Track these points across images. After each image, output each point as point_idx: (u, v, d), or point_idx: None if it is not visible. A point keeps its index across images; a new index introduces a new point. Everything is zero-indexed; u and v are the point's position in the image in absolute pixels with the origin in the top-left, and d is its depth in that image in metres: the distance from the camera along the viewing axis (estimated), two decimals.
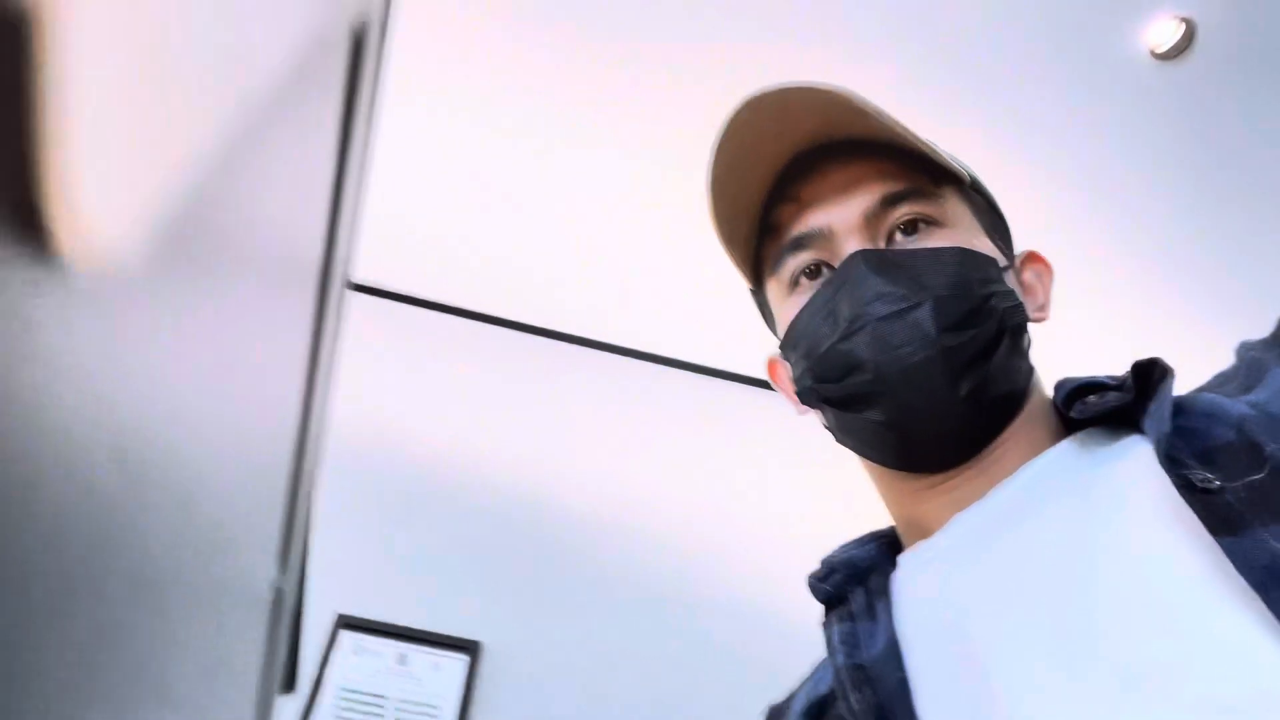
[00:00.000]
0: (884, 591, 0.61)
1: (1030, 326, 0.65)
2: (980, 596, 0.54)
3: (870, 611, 0.60)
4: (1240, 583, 0.43)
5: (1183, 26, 1.67)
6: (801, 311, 0.63)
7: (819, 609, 0.66)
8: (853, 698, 0.54)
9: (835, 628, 0.61)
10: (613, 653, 1.78)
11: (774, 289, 0.68)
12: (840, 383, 0.60)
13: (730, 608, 1.92)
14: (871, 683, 0.55)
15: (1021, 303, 0.61)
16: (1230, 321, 2.09)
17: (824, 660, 0.65)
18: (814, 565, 0.69)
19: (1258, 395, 0.54)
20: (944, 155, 0.64)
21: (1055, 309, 0.71)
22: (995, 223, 0.69)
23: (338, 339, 0.56)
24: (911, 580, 0.61)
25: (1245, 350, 0.61)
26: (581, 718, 1.68)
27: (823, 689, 0.61)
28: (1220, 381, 0.61)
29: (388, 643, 1.67)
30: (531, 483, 1.97)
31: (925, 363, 0.56)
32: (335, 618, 1.67)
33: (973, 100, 1.78)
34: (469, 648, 1.69)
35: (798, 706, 0.63)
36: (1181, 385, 0.58)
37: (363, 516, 1.78)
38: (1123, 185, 1.93)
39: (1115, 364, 0.63)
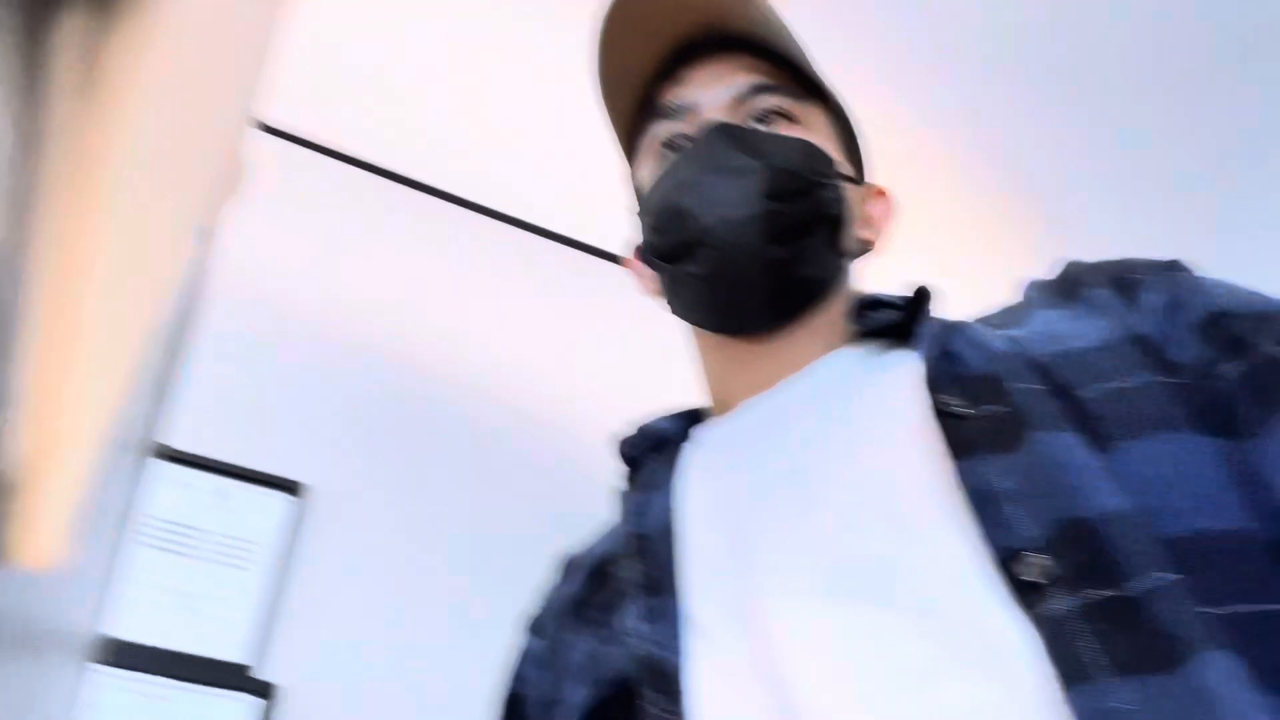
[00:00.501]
0: (673, 464, 0.65)
1: (869, 258, 0.71)
2: (745, 487, 0.59)
3: (658, 483, 0.64)
4: (959, 500, 0.47)
5: None
6: (658, 176, 0.67)
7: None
8: (632, 565, 0.58)
9: (629, 494, 0.66)
10: (439, 499, 1.82)
11: (642, 162, 0.72)
12: (672, 234, 0.64)
13: (552, 461, 1.97)
14: (647, 554, 0.59)
15: (843, 199, 0.66)
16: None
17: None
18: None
19: (1017, 332, 0.59)
20: (817, 72, 0.69)
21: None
22: (853, 150, 0.74)
23: None
24: (697, 457, 0.65)
25: (1030, 289, 0.66)
26: (406, 561, 1.73)
27: (609, 549, 0.66)
28: (995, 314, 0.66)
29: (208, 477, 1.64)
30: (374, 332, 1.92)
31: (744, 220, 0.61)
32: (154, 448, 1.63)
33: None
34: (292, 488, 1.69)
35: (587, 563, 0.68)
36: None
37: (201, 349, 1.71)
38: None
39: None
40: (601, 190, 2.09)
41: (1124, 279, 0.57)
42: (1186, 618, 0.39)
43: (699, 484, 0.62)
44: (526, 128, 2.02)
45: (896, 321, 0.63)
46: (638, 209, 0.72)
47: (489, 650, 1.64)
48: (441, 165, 2.09)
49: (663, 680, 0.50)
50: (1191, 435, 0.47)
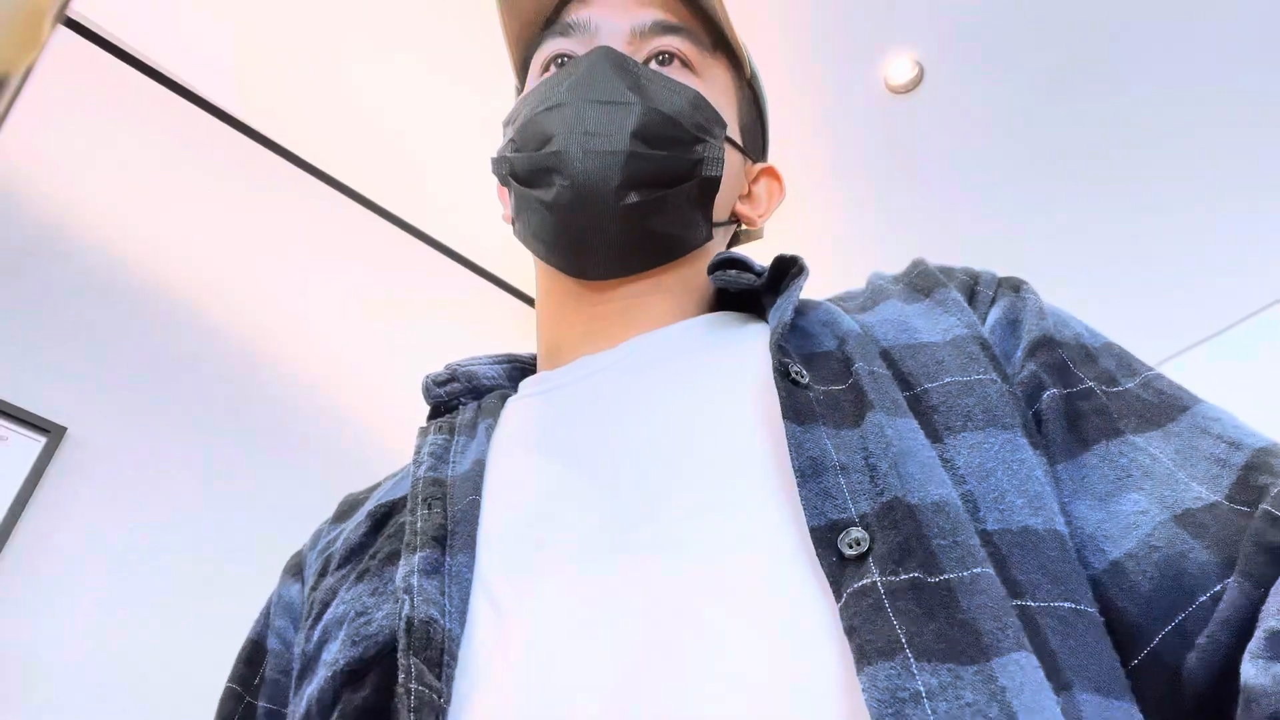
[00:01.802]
0: (493, 413, 0.60)
1: (753, 243, 0.67)
2: (568, 448, 0.54)
3: (471, 429, 0.59)
4: (788, 468, 0.45)
5: (916, 67, 1.83)
6: (534, 88, 0.63)
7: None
8: (420, 512, 0.51)
9: (430, 437, 0.59)
10: (212, 468, 1.72)
11: (530, 74, 0.68)
12: (529, 153, 0.60)
13: (323, 425, 1.91)
14: (443, 500, 0.52)
15: (722, 160, 0.62)
16: None
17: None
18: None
19: (869, 317, 0.57)
20: (731, 29, 0.65)
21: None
22: (752, 119, 0.70)
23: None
24: (523, 409, 0.60)
25: (875, 279, 0.64)
26: (157, 530, 1.62)
27: (397, 494, 0.58)
28: (845, 297, 0.63)
29: None
30: (171, 281, 1.81)
31: (606, 155, 0.57)
32: None
33: None
34: (49, 429, 1.56)
35: (369, 505, 0.60)
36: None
37: None
38: (850, 197, 2.09)
39: None
40: (430, 170, 2.07)
41: (973, 288, 0.57)
42: (997, 613, 0.38)
43: (515, 439, 0.57)
44: (347, 76, 1.96)
45: (752, 286, 0.60)
46: (506, 118, 0.66)
47: (224, 629, 1.56)
48: (260, 103, 1.99)
49: (427, 646, 0.43)
50: (1021, 437, 0.47)
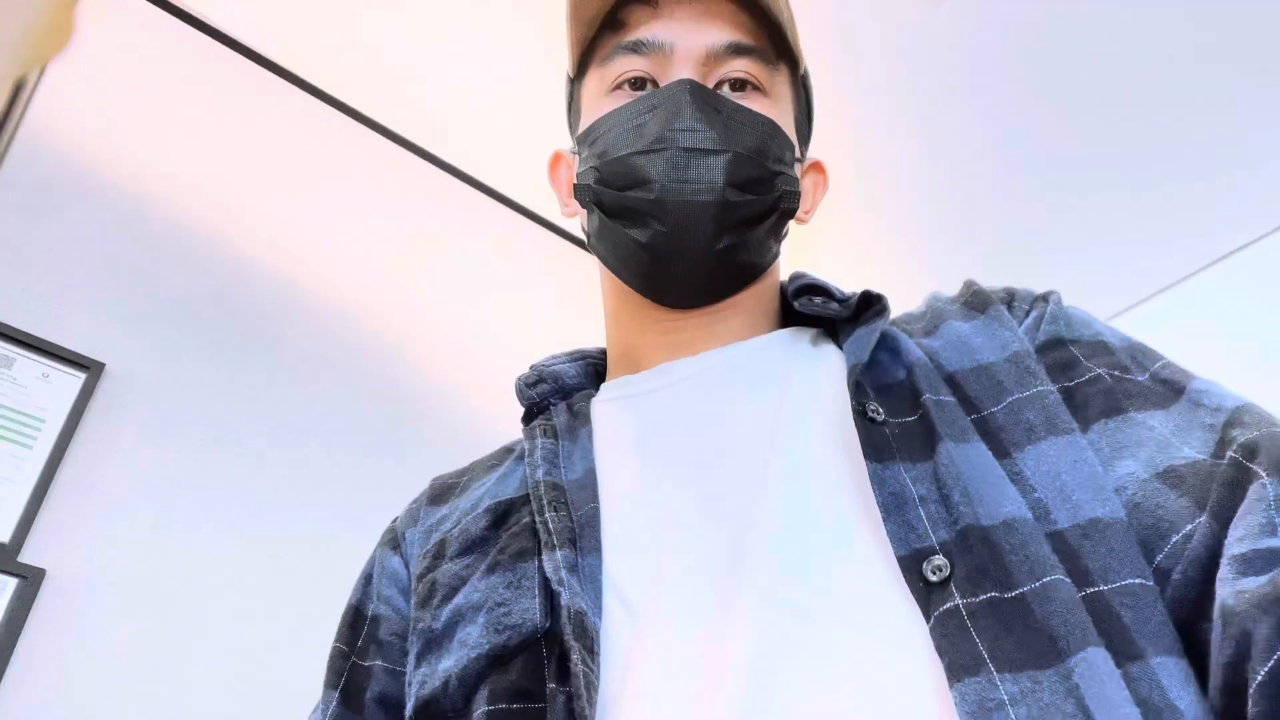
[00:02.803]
0: (587, 417, 0.64)
1: (792, 225, 0.71)
2: (666, 458, 0.58)
3: (572, 434, 0.63)
4: (872, 502, 0.50)
5: None
6: (613, 113, 0.64)
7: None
8: (549, 516, 0.56)
9: (539, 440, 0.63)
10: (250, 399, 1.75)
11: (593, 83, 0.68)
12: (622, 191, 0.62)
13: (361, 367, 1.93)
14: (566, 505, 0.57)
15: (798, 193, 0.66)
16: (934, 251, 2.36)
17: (507, 459, 0.68)
18: (521, 369, 0.71)
19: (932, 341, 0.61)
20: (797, 37, 0.67)
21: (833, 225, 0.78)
22: (804, 120, 0.73)
23: None
24: (613, 413, 0.64)
25: (934, 300, 0.68)
26: (196, 455, 1.66)
27: (509, 491, 0.63)
28: (907, 319, 0.67)
29: None
30: (190, 210, 1.80)
31: (703, 205, 0.60)
32: None
33: None
34: (89, 366, 1.58)
35: (480, 501, 0.64)
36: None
37: None
38: (874, 116, 2.05)
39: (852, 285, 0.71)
40: (459, 105, 2.06)
41: (1010, 304, 0.62)
42: (1067, 615, 0.42)
43: (616, 445, 0.61)
44: (391, 27, 1.95)
45: (835, 316, 0.64)
46: (581, 135, 0.68)
47: (267, 562, 1.61)
48: (297, 46, 1.97)
49: (583, 634, 0.48)
50: (1077, 436, 0.52)
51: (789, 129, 0.67)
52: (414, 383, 1.99)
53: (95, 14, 1.76)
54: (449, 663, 0.54)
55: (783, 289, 0.72)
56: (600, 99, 0.67)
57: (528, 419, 0.69)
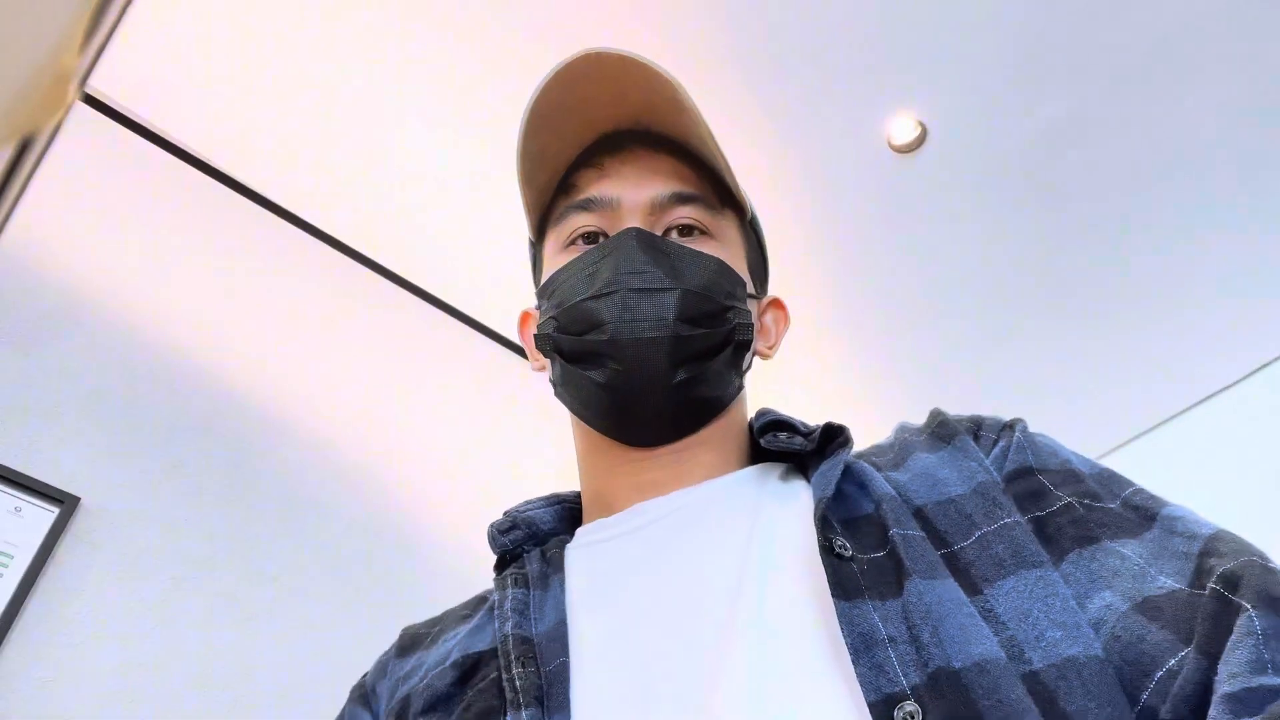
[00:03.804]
0: (559, 565, 0.64)
1: (757, 363, 0.71)
2: (636, 608, 0.58)
3: (544, 582, 0.62)
4: (841, 644, 0.49)
5: (919, 127, 1.85)
6: (568, 264, 0.67)
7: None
8: (515, 671, 0.55)
9: (510, 591, 0.62)
10: (225, 535, 1.71)
11: (551, 242, 0.71)
12: (578, 336, 0.64)
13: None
14: (536, 659, 0.56)
15: (751, 324, 0.68)
16: (911, 387, 2.38)
17: (480, 610, 0.67)
18: (489, 513, 0.71)
19: (900, 475, 0.61)
20: (736, 184, 0.71)
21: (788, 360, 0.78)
22: (757, 260, 0.76)
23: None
24: (584, 559, 0.64)
25: (901, 432, 0.69)
26: (174, 601, 1.60)
27: (480, 645, 0.62)
28: (876, 451, 0.68)
29: None
30: (190, 352, 1.82)
31: (655, 341, 0.61)
32: None
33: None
34: (63, 499, 1.55)
35: (449, 654, 0.63)
36: (862, 441, 0.67)
37: None
38: (854, 254, 2.11)
39: (817, 415, 0.71)
40: (435, 232, 2.10)
41: (977, 434, 0.63)
42: None
43: (588, 594, 0.61)
44: (381, 160, 2.00)
45: (802, 451, 0.64)
46: (540, 289, 0.71)
47: (231, 705, 1.54)
48: (286, 182, 2.02)
49: None
50: (1048, 570, 0.51)
51: (740, 267, 0.69)
52: (392, 519, 1.95)
53: (82, 143, 1.81)
54: None
55: (751, 426, 0.72)
56: (557, 255, 0.69)
57: (500, 567, 0.69)
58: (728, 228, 0.70)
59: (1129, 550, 0.51)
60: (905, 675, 0.46)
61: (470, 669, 0.60)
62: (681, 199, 0.67)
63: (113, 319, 1.74)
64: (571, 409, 0.70)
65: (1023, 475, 0.57)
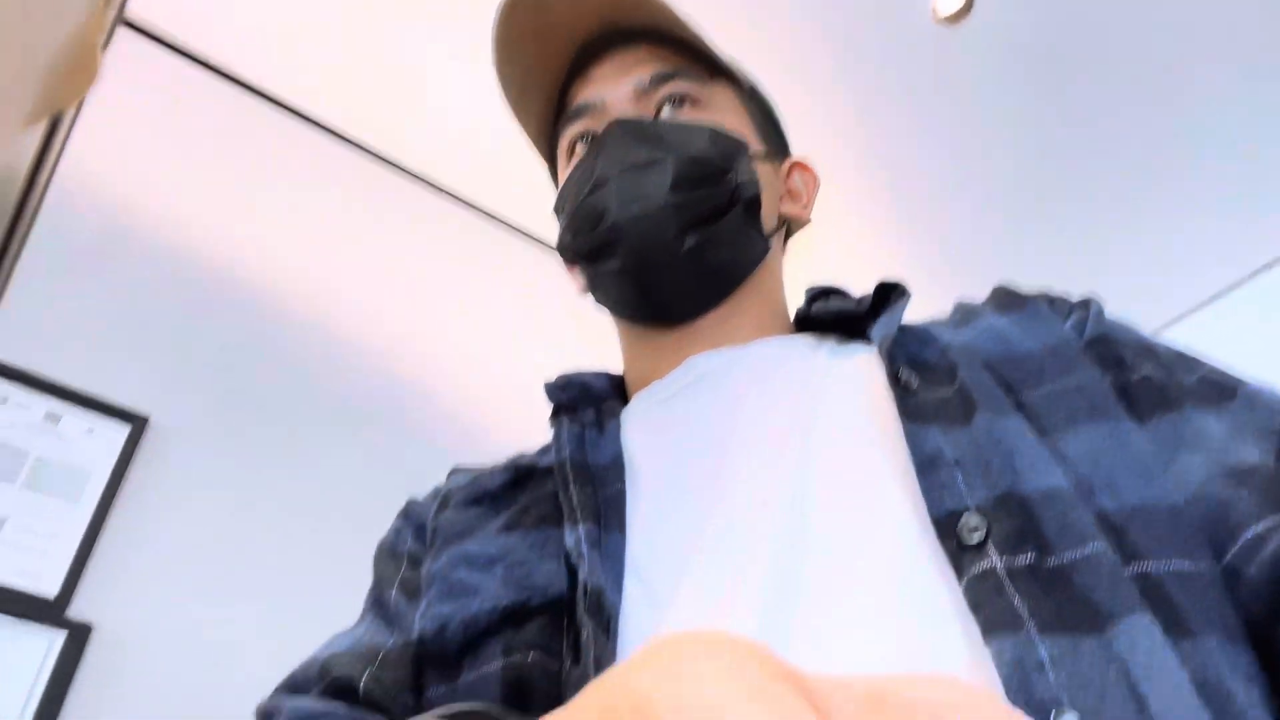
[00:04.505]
0: (615, 415, 0.65)
1: (799, 234, 0.72)
2: (695, 435, 0.59)
3: (599, 427, 0.64)
4: (905, 464, 0.49)
5: None
6: (568, 175, 0.68)
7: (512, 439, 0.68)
8: (574, 490, 0.56)
9: (566, 427, 0.63)
10: (290, 457, 1.77)
11: (560, 162, 0.72)
12: (588, 234, 0.64)
13: (404, 417, 1.94)
14: (593, 483, 0.57)
15: (756, 182, 0.67)
16: (973, 270, 2.33)
17: (529, 454, 0.67)
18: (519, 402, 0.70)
19: (965, 333, 0.61)
20: (718, 52, 0.70)
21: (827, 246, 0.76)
22: (768, 126, 0.75)
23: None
24: (642, 410, 0.65)
25: (961, 305, 0.68)
26: (239, 508, 1.67)
27: (534, 463, 0.63)
28: (934, 322, 0.67)
29: (36, 396, 1.54)
30: (233, 263, 1.83)
31: (653, 214, 0.61)
32: None
33: (759, 53, 1.78)
34: (133, 419, 1.61)
35: (497, 475, 0.63)
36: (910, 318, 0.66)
37: (40, 259, 1.60)
38: (894, 134, 2.03)
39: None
40: (489, 144, 2.06)
41: (1052, 302, 0.62)
42: (1113, 586, 0.41)
43: (644, 433, 0.61)
44: (419, 72, 1.96)
45: (855, 313, 0.64)
46: (555, 208, 0.72)
47: (312, 615, 1.62)
48: (328, 96, 2.00)
49: (599, 611, 0.48)
50: (1122, 421, 0.50)
51: (742, 132, 0.69)
52: (448, 426, 1.99)
53: (127, 66, 1.79)
54: (448, 607, 0.53)
55: (798, 312, 0.72)
56: (564, 170, 0.71)
57: (555, 416, 0.69)
58: (722, 96, 0.70)
59: (1211, 422, 0.50)
60: (971, 494, 0.46)
61: (524, 477, 0.62)
62: (663, 78, 0.68)
63: (166, 240, 1.76)
64: (607, 306, 0.70)
65: (1102, 342, 0.56)
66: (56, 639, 1.40)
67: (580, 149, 0.69)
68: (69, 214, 1.65)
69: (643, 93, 0.68)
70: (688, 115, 0.67)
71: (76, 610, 1.44)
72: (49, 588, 1.42)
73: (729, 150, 0.65)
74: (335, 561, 1.69)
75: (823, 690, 0.17)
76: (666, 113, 0.67)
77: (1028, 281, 0.67)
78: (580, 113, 0.69)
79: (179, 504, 1.60)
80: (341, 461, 1.81)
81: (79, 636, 1.41)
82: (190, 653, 1.50)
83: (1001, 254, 2.28)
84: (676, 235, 0.62)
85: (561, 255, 0.70)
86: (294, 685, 0.54)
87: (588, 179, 0.65)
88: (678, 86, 0.68)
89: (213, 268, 1.80)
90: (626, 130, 0.65)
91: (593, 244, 0.64)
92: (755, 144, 0.70)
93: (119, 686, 1.43)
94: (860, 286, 0.68)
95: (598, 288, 0.68)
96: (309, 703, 0.51)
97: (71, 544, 1.47)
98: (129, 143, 1.77)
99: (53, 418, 1.53)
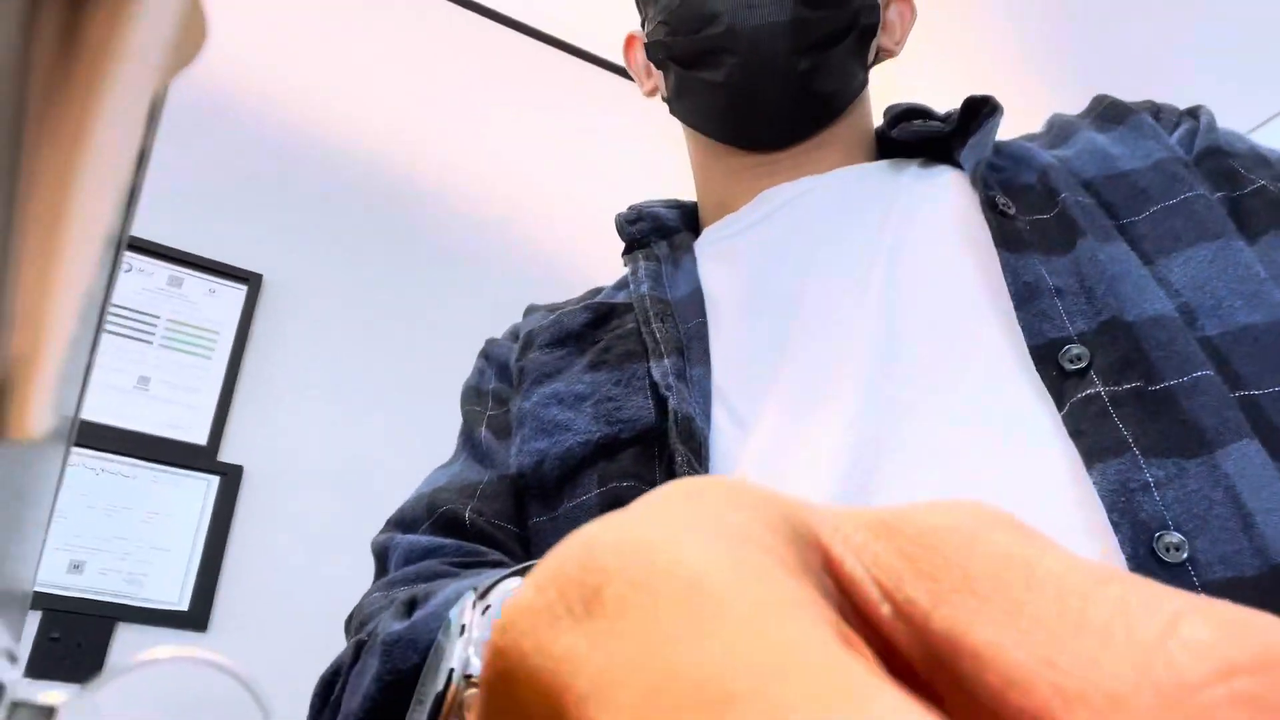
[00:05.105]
0: (688, 249, 0.64)
1: (884, 64, 0.67)
2: (773, 266, 0.57)
3: (674, 262, 0.63)
4: (1002, 293, 0.48)
5: None
6: None
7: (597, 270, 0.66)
8: (655, 325, 0.56)
9: (641, 263, 0.63)
10: (390, 293, 1.84)
11: None
12: (693, 35, 0.59)
13: (506, 259, 1.98)
14: (673, 317, 0.57)
15: (877, 6, 0.62)
16: (1057, 90, 2.16)
17: (604, 289, 0.67)
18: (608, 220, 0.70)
19: (1064, 150, 0.58)
20: None
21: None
22: None
23: None
24: (716, 244, 0.63)
25: (1057, 119, 0.64)
26: (356, 350, 1.76)
27: (613, 300, 0.62)
28: (1028, 138, 0.64)
29: (158, 264, 1.63)
30: (335, 123, 1.85)
31: (775, 26, 0.56)
32: None
33: None
34: (248, 278, 1.69)
35: (578, 314, 0.63)
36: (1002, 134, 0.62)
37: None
38: None
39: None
40: None
41: (1157, 114, 0.58)
42: (1218, 410, 0.40)
43: (724, 266, 0.60)
44: None
45: (941, 133, 0.60)
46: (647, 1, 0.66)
47: (433, 435, 1.72)
48: None
49: (690, 438, 0.48)
50: (1231, 240, 0.48)
51: None
52: (543, 267, 2.02)
53: None
54: (544, 443, 0.54)
55: (879, 133, 0.67)
56: None
57: (628, 253, 0.68)
58: None
59: None
60: (1072, 323, 0.45)
61: (604, 315, 0.61)
62: None
63: (264, 105, 1.79)
64: (688, 122, 0.66)
65: (1212, 155, 0.53)
66: (213, 482, 1.54)
67: None
68: (182, 88, 1.68)
69: None
70: None
71: (226, 454, 1.57)
72: (198, 437, 1.55)
73: None
74: (443, 382, 1.78)
75: (827, 519, 0.17)
76: None
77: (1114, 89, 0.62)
78: None
79: (299, 351, 1.70)
80: (433, 298, 1.87)
81: (233, 478, 1.55)
82: (331, 480, 1.64)
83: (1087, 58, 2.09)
84: (792, 54, 0.57)
85: (649, 53, 0.64)
86: (403, 521, 0.56)
87: None
88: None
89: (311, 128, 1.83)
90: None
91: (696, 47, 0.59)
92: None
93: (274, 519, 1.58)
94: (932, 100, 0.64)
95: (686, 96, 0.63)
96: (421, 538, 0.53)
97: (212, 396, 1.59)
98: (233, 9, 1.77)
99: (175, 281, 1.62)
